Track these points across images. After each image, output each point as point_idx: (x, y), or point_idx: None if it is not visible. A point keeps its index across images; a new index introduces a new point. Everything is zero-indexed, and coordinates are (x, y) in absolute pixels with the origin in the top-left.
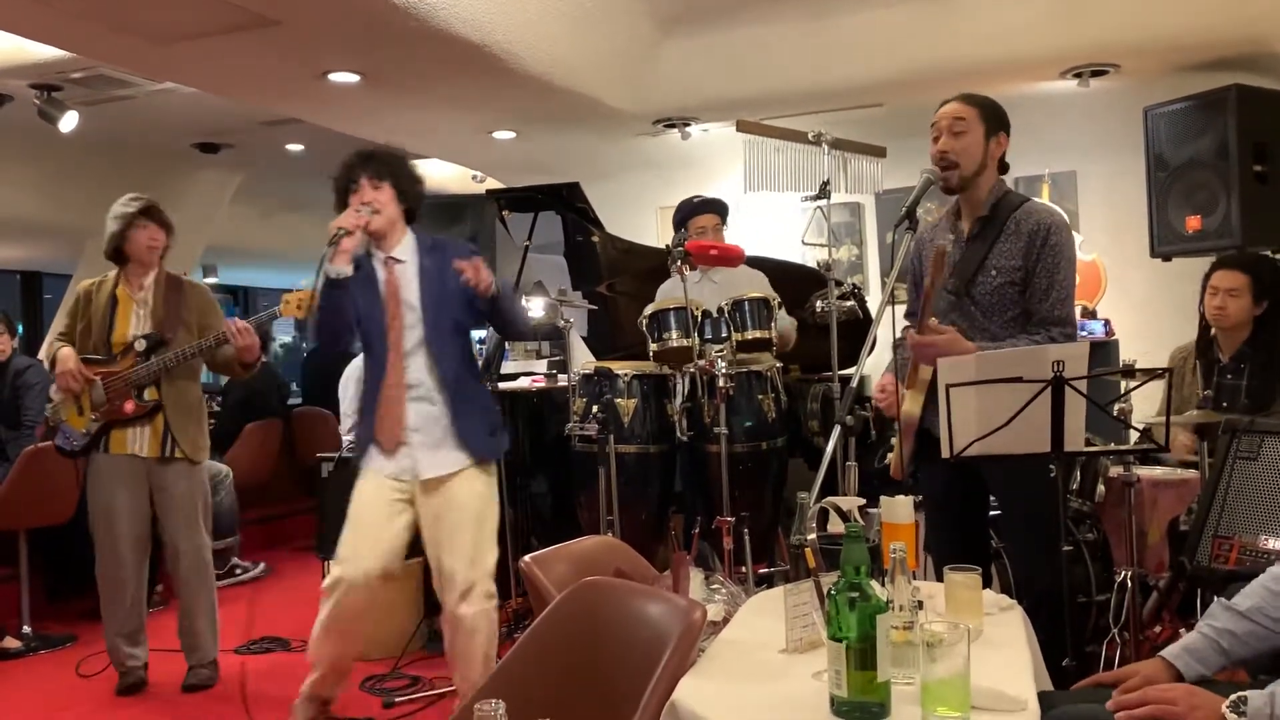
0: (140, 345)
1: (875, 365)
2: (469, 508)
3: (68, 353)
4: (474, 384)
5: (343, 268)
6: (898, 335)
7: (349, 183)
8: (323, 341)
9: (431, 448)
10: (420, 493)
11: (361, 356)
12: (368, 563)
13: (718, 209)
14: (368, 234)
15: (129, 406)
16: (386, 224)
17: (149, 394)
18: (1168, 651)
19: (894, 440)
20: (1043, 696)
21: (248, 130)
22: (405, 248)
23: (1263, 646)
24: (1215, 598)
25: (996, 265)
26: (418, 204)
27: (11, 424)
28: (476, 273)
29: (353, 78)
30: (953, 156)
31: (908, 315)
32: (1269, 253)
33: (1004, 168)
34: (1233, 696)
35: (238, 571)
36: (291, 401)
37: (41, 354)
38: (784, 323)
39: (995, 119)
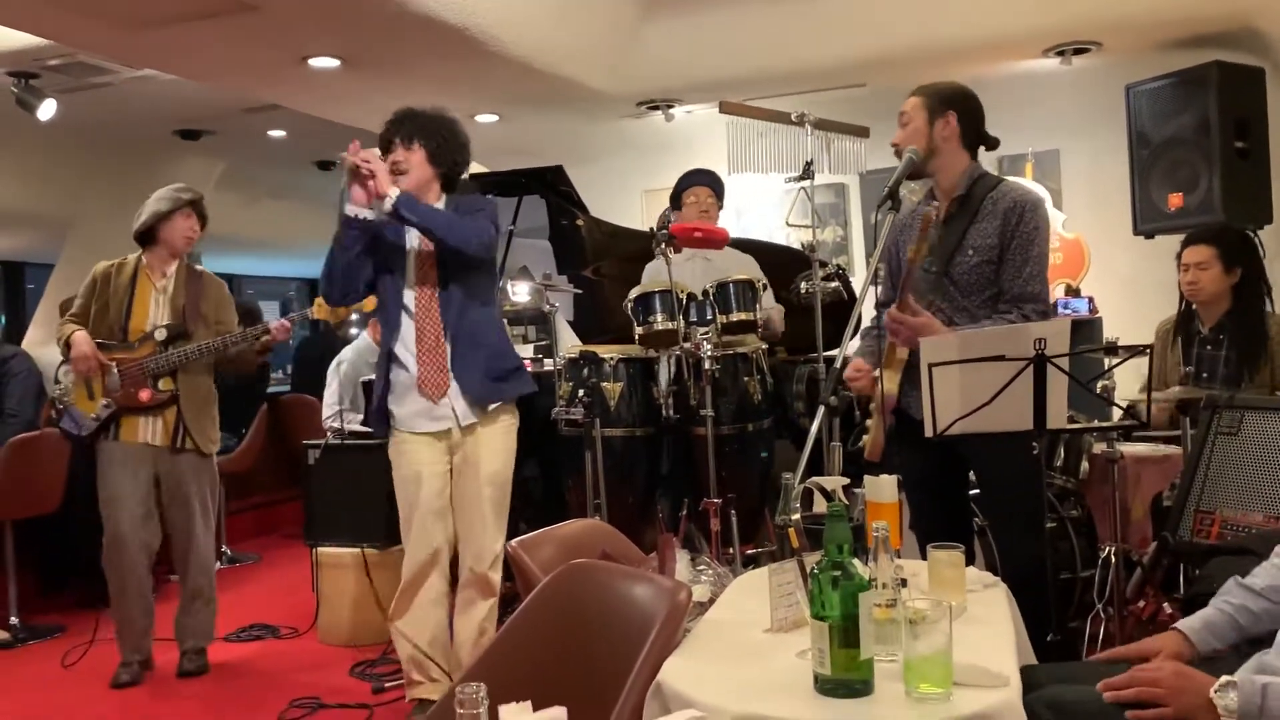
0: (161, 335)
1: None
2: (487, 466)
3: (83, 336)
4: (484, 327)
5: (360, 209)
6: (868, 321)
7: (385, 145)
8: (331, 294)
9: (464, 394)
10: (454, 441)
11: (351, 346)
12: (438, 541)
13: (710, 182)
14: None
15: (145, 395)
16: (415, 185)
17: (164, 384)
18: (1185, 624)
19: (869, 423)
20: (1028, 670)
21: (229, 117)
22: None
23: (1277, 625)
24: (1233, 577)
25: (974, 245)
26: (454, 170)
27: None
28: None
29: (333, 62)
30: (899, 146)
31: (880, 305)
32: (1250, 230)
33: (992, 144)
34: (1221, 680)
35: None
36: (280, 389)
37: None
38: (770, 309)
39: (940, 101)
